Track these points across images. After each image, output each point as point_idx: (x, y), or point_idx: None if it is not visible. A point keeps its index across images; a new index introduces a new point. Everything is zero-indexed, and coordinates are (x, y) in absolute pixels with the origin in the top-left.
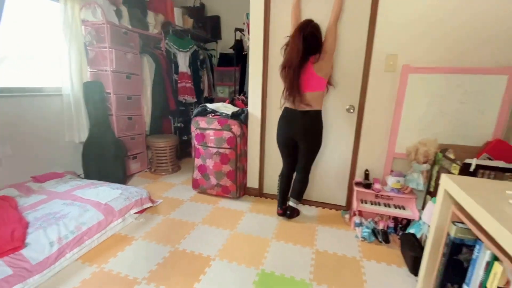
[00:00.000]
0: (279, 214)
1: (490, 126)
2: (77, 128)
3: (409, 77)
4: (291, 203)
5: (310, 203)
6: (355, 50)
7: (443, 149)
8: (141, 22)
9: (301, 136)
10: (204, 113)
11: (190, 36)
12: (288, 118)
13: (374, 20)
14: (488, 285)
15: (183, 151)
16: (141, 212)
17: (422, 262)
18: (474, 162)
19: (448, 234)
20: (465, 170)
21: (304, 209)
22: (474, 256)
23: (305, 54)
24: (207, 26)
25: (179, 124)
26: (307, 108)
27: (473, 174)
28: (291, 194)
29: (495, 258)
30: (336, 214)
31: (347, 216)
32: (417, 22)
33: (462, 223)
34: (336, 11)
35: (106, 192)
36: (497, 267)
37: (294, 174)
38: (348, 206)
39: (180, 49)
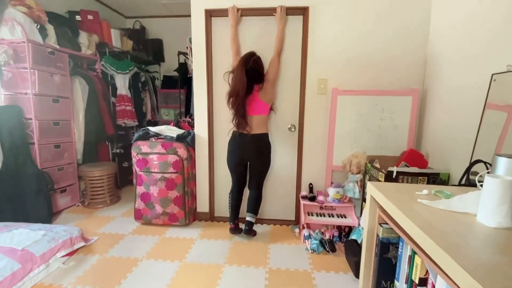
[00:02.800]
0: (232, 229)
1: (404, 138)
2: None
3: (338, 98)
4: (248, 218)
5: (262, 221)
6: (292, 76)
7: (371, 159)
8: (71, 42)
9: (252, 158)
10: (146, 136)
11: (130, 58)
12: (238, 141)
13: (305, 50)
14: (413, 277)
15: (123, 179)
16: (71, 254)
17: (361, 264)
18: (395, 170)
19: (378, 235)
20: (389, 177)
21: (256, 228)
22: (399, 253)
23: (249, 85)
24: (149, 48)
25: (118, 150)
26: (256, 132)
27: (395, 180)
28: (248, 209)
29: (415, 252)
30: (286, 229)
31: (297, 230)
32: (340, 54)
33: (387, 223)
34: (277, 46)
35: (24, 235)
36: (417, 260)
37: (247, 190)
38: (297, 220)
39: (119, 71)
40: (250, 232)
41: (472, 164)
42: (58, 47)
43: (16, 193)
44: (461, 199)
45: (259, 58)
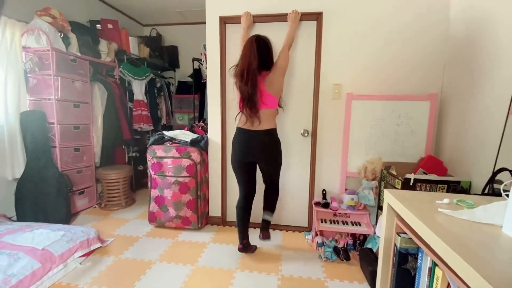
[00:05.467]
0: (240, 250)
1: (422, 144)
2: (10, 163)
3: (353, 103)
4: (265, 216)
5: (274, 227)
6: (306, 81)
7: (387, 166)
8: (92, 50)
9: (261, 157)
10: (161, 141)
11: (146, 65)
12: (243, 138)
13: (319, 56)
14: None
15: (138, 182)
16: (87, 254)
17: (377, 275)
18: (412, 177)
19: (395, 245)
20: (406, 184)
21: None
22: (418, 264)
23: (259, 60)
24: (164, 55)
25: (134, 154)
26: (262, 127)
27: (413, 187)
28: (264, 207)
29: (435, 264)
30: (299, 236)
31: (309, 237)
32: (355, 58)
33: (405, 233)
34: (286, 40)
35: (44, 235)
36: (438, 272)
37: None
38: (310, 227)
39: (136, 77)
40: (266, 229)
41: (496, 172)
42: (79, 54)
43: (38, 194)
44: (486, 209)
45: (267, 38)
